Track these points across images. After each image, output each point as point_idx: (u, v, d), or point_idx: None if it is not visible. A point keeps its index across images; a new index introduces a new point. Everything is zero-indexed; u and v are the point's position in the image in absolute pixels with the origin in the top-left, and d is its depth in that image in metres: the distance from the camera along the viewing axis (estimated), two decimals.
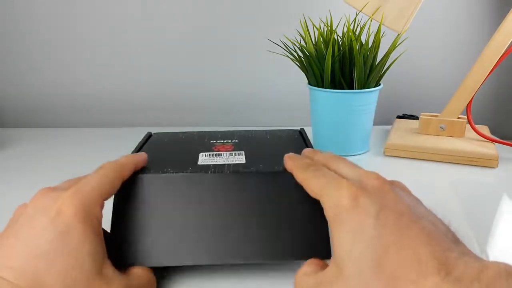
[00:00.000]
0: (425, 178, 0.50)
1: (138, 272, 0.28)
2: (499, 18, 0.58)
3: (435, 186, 0.48)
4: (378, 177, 0.26)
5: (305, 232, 0.30)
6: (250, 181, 0.31)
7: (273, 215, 0.30)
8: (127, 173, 0.30)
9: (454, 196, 0.46)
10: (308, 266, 0.26)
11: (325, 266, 0.25)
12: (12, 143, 0.65)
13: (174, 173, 0.32)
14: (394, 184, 0.27)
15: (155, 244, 0.30)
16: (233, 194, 0.31)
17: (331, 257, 0.23)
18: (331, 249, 0.23)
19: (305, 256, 0.29)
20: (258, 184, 0.31)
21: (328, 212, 0.24)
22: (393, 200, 0.23)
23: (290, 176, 0.30)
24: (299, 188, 0.29)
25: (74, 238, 0.23)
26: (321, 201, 0.26)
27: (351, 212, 0.22)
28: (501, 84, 0.72)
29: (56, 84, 0.74)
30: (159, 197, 0.31)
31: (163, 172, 0.32)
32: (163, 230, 0.30)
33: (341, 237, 0.22)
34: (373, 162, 0.55)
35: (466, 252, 0.21)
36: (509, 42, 0.51)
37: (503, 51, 0.51)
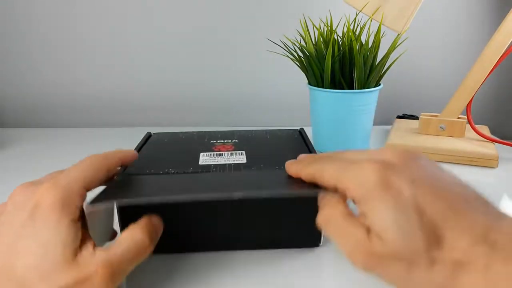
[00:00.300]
0: None
1: (125, 238, 0.26)
2: (499, 18, 0.58)
3: None
4: (392, 150, 0.25)
5: (303, 225, 0.32)
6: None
7: (273, 211, 0.32)
8: (112, 164, 0.29)
9: None
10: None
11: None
12: (12, 143, 0.65)
13: (176, 173, 0.32)
14: (408, 152, 0.26)
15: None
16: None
17: (371, 233, 0.22)
18: (370, 225, 0.22)
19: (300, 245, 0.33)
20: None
21: (354, 193, 0.23)
22: (419, 168, 0.23)
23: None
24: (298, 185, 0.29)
25: (49, 229, 0.24)
26: (339, 186, 0.24)
27: (384, 188, 0.22)
28: (501, 84, 0.72)
29: (56, 84, 0.74)
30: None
31: (164, 173, 0.32)
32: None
33: (380, 214, 0.22)
34: None
35: (501, 216, 0.21)
36: (509, 42, 0.51)
37: (503, 51, 0.51)
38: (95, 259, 0.24)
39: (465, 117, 0.56)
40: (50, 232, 0.24)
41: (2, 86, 0.75)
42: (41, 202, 0.24)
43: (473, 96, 0.54)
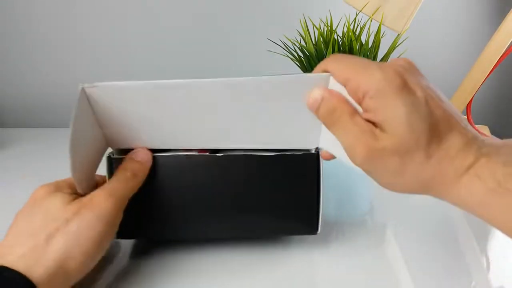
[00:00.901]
0: None
1: (115, 174, 0.30)
2: (499, 18, 0.58)
3: None
4: (404, 59, 0.27)
5: (301, 212, 0.33)
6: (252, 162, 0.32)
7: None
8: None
9: None
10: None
11: None
12: (12, 143, 0.65)
13: (182, 153, 0.32)
14: (415, 64, 0.28)
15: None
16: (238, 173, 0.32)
17: (376, 127, 0.24)
18: (380, 118, 0.24)
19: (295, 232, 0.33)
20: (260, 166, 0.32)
21: (369, 87, 0.24)
22: (424, 78, 0.26)
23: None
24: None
25: (46, 200, 0.28)
26: (353, 79, 0.25)
27: (402, 86, 0.24)
28: (501, 84, 0.72)
29: (56, 84, 0.74)
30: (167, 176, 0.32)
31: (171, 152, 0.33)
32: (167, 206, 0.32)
33: (394, 108, 0.24)
34: None
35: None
36: (509, 42, 0.51)
37: (503, 51, 0.51)
38: (90, 193, 0.28)
39: (465, 117, 0.56)
40: (48, 199, 0.28)
41: (2, 86, 0.74)
42: (38, 193, 0.28)
43: (473, 96, 0.54)
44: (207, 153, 0.32)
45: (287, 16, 0.68)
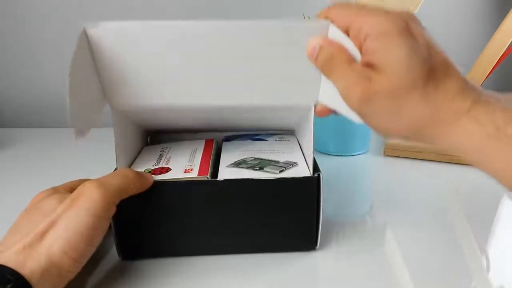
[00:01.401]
0: (425, 178, 0.50)
1: (113, 172, 0.30)
2: (499, 18, 0.58)
3: (435, 186, 0.47)
4: (408, 12, 0.27)
5: (299, 228, 0.33)
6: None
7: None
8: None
9: (454, 196, 0.46)
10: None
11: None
12: (12, 143, 0.65)
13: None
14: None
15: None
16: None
17: (376, 72, 0.25)
18: (380, 59, 0.24)
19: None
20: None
21: (372, 29, 0.25)
22: (428, 32, 0.26)
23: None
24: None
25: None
26: (357, 21, 0.25)
27: (405, 30, 0.24)
28: (501, 84, 0.72)
29: (56, 84, 0.74)
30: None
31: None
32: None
33: (396, 49, 0.24)
34: (373, 162, 0.55)
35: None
36: (509, 42, 0.51)
37: (503, 51, 0.51)
38: (83, 183, 0.28)
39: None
40: (45, 201, 0.28)
41: (2, 86, 0.74)
42: (37, 197, 0.29)
43: None
44: (207, 176, 0.32)
45: (287, 16, 0.68)
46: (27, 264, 0.24)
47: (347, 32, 0.26)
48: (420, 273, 0.32)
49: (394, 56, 0.24)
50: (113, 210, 0.28)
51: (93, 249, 0.27)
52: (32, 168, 0.54)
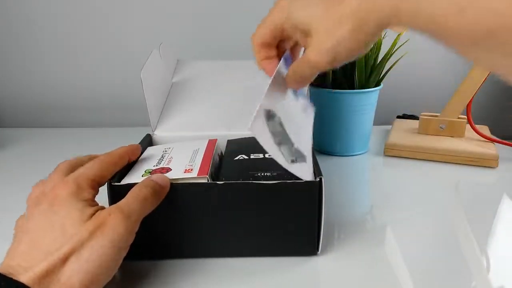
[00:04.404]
0: (425, 178, 0.50)
1: (131, 191, 0.30)
2: None
3: (435, 186, 0.48)
4: None
5: (300, 233, 0.33)
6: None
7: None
8: (116, 161, 0.33)
9: (454, 196, 0.46)
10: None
11: None
12: (12, 143, 0.65)
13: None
14: None
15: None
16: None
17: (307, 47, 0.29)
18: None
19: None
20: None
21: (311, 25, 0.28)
22: None
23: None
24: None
25: (65, 207, 0.27)
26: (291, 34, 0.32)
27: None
28: (501, 84, 0.72)
29: (56, 84, 0.74)
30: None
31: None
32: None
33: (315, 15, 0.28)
34: (373, 162, 0.55)
35: None
36: None
37: None
38: (108, 209, 0.28)
39: (465, 117, 0.56)
40: (66, 209, 0.27)
41: (2, 86, 0.75)
42: (58, 194, 0.28)
43: (473, 96, 0.54)
44: (207, 176, 0.32)
45: None
46: None
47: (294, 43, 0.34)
48: (420, 273, 0.32)
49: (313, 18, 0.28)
50: (134, 237, 0.28)
51: (110, 278, 0.27)
52: (32, 168, 0.54)
